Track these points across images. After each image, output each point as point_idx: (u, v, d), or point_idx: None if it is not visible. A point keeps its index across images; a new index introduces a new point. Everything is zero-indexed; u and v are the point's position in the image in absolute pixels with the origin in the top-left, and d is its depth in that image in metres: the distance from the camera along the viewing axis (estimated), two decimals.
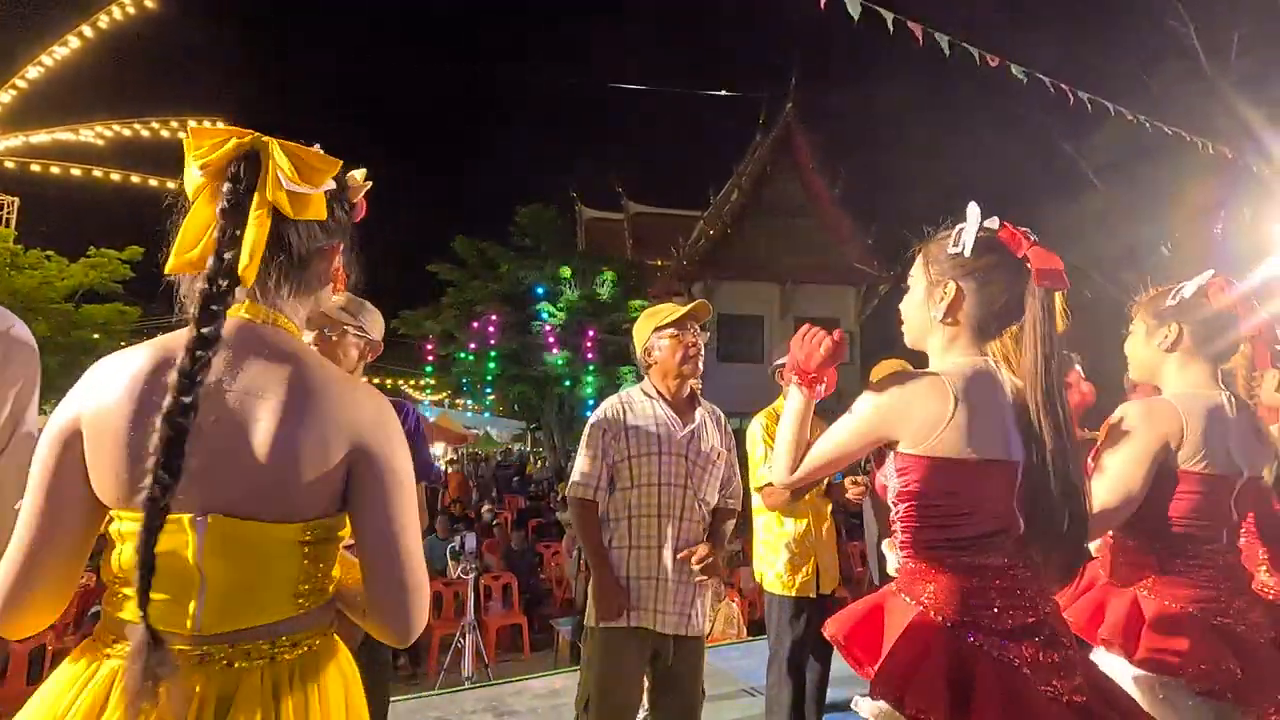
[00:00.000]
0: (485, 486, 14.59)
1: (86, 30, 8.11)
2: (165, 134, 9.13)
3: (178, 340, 0.90)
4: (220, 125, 0.93)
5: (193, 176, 0.91)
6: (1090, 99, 5.07)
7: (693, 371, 2.26)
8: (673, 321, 2.26)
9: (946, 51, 4.28)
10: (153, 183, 9.43)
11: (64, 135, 8.99)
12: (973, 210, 1.26)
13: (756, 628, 5.41)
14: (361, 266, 1.08)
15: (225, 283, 0.88)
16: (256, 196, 0.90)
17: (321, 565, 0.94)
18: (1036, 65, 4.72)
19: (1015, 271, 1.23)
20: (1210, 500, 1.48)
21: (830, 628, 1.27)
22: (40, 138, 8.90)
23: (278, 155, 0.91)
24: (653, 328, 2.29)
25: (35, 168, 9.13)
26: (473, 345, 16.23)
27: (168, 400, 0.83)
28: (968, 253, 1.25)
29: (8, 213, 11.36)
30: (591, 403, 15.65)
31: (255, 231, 0.90)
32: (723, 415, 2.40)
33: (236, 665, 0.86)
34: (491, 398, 18.47)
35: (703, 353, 2.29)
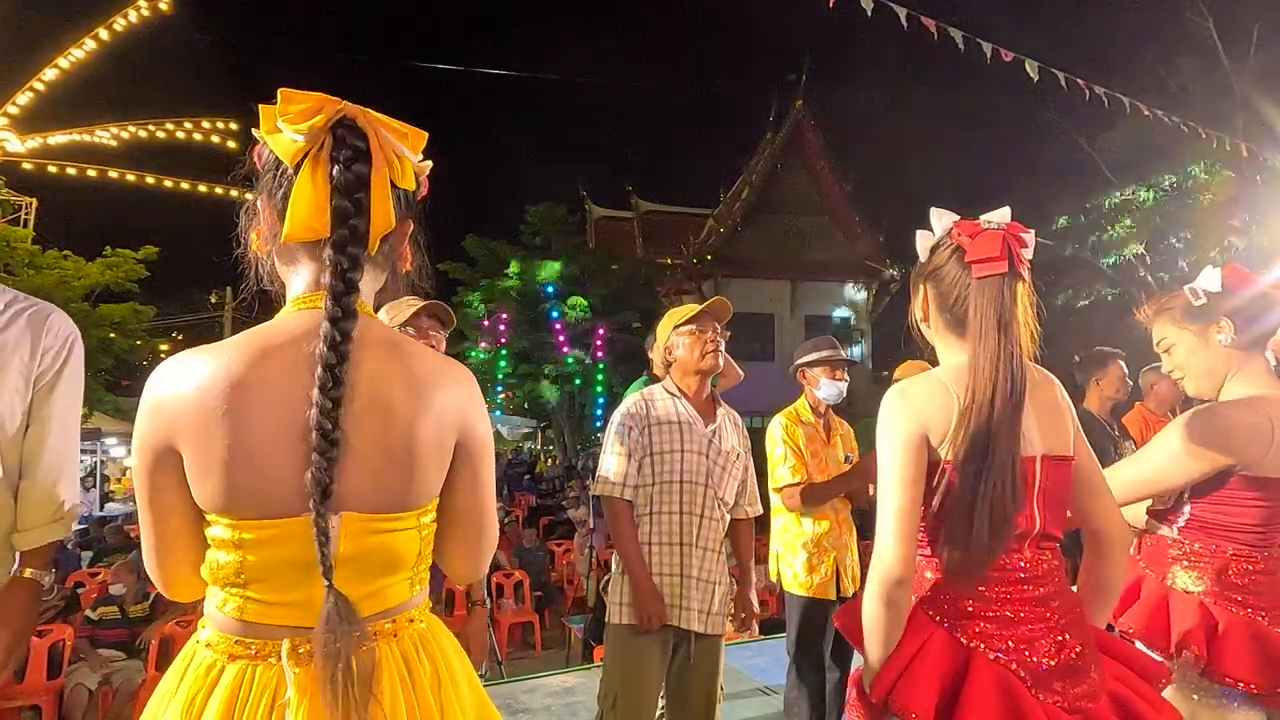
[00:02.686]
0: (496, 484, 14.61)
1: (102, 33, 8.19)
2: (180, 135, 9.22)
3: (265, 336, 0.86)
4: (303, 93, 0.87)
5: (290, 141, 0.85)
6: (1106, 93, 5.01)
7: (712, 366, 2.28)
8: (691, 318, 2.30)
9: (960, 46, 4.24)
10: (167, 184, 9.53)
11: (80, 137, 9.09)
12: (934, 214, 1.27)
13: (770, 626, 5.39)
14: (422, 249, 1.03)
15: (358, 251, 0.85)
16: (373, 161, 0.87)
17: (429, 545, 0.95)
18: (1052, 60, 4.67)
19: (962, 264, 1.20)
20: (1275, 505, 1.45)
21: (839, 618, 1.28)
22: (57, 139, 9.01)
23: (383, 119, 0.89)
24: (673, 326, 2.33)
25: (52, 169, 9.24)
26: (483, 344, 16.28)
27: (317, 391, 0.80)
28: (923, 256, 1.28)
29: (26, 214, 11.51)
30: (602, 401, 15.67)
31: (383, 196, 0.87)
32: (740, 418, 2.41)
33: (365, 646, 0.85)
34: (502, 396, 18.52)
35: (722, 349, 2.30)
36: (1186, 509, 1.51)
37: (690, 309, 2.34)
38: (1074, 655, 1.13)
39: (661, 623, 2.09)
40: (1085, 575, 1.30)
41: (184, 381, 0.83)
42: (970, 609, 1.14)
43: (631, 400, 2.30)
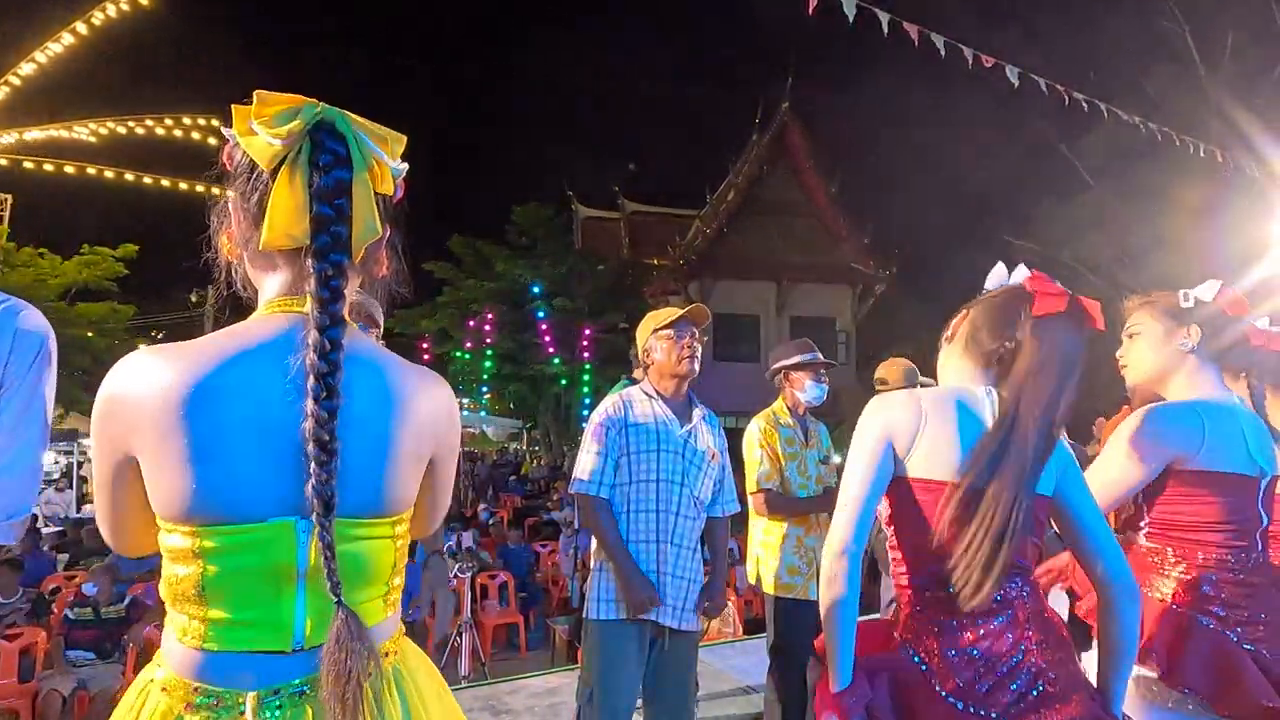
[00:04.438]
0: (481, 485, 14.57)
1: (80, 27, 8.06)
2: (160, 131, 9.09)
3: (235, 336, 0.84)
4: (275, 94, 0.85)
5: (267, 144, 0.82)
6: (1085, 100, 5.08)
7: (689, 371, 2.33)
8: (670, 323, 2.35)
9: (942, 52, 4.28)
10: (146, 180, 9.39)
11: (58, 132, 8.94)
12: (1000, 267, 1.36)
13: (752, 626, 5.42)
14: (399, 255, 1.01)
15: (342, 259, 0.84)
16: (354, 167, 0.85)
17: (403, 557, 0.94)
18: (1031, 66, 4.73)
19: (1016, 299, 1.27)
20: (1238, 503, 1.47)
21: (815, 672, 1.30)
22: (34, 135, 8.85)
23: (362, 123, 0.87)
24: (652, 329, 2.38)
25: (29, 165, 9.07)
26: (469, 344, 16.22)
27: (311, 402, 0.78)
28: (990, 285, 1.35)
29: (1, 210, 11.30)
30: (588, 401, 15.66)
31: (366, 202, 0.86)
32: (717, 420, 2.47)
33: (374, 665, 0.81)
34: (487, 396, 18.46)
35: (699, 355, 2.36)
36: (1145, 513, 1.54)
37: (670, 313, 2.38)
38: (1047, 686, 1.12)
39: (655, 606, 2.14)
40: (1097, 625, 1.27)
41: (143, 381, 0.79)
42: (935, 634, 1.16)
43: (609, 401, 2.34)
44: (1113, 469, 1.50)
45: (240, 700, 0.78)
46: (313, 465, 0.77)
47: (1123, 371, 1.68)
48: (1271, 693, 1.33)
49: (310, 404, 0.78)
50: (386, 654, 0.88)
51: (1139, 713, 1.41)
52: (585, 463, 2.27)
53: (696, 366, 2.35)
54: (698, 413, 2.38)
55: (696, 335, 2.36)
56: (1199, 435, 1.45)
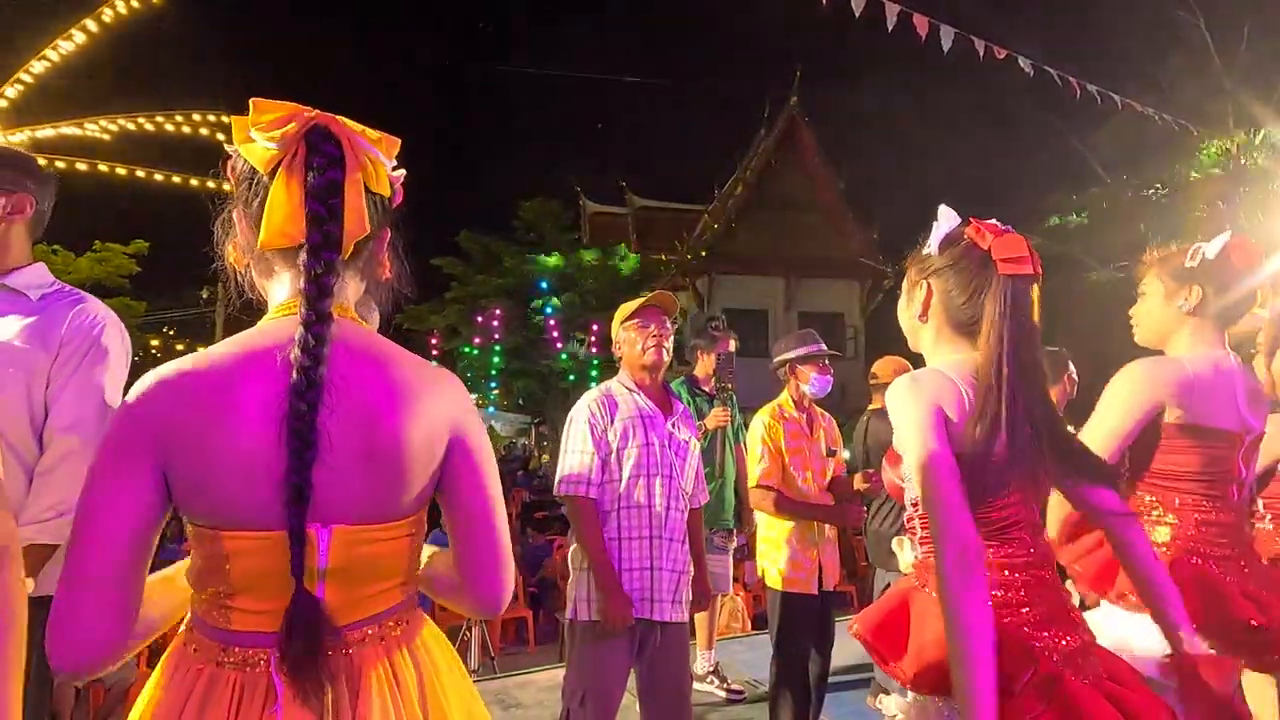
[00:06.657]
0: None
1: (91, 24, 8.09)
2: (170, 128, 9.11)
3: (248, 343, 0.86)
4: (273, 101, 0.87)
5: (264, 149, 0.86)
6: (1098, 91, 5.03)
7: (654, 362, 2.28)
8: (633, 313, 2.31)
9: (951, 44, 4.24)
10: (158, 177, 9.43)
11: (69, 130, 8.98)
12: (943, 212, 1.26)
13: (760, 621, 5.42)
14: (401, 257, 1.02)
15: (333, 256, 0.85)
16: (347, 167, 0.87)
17: (419, 552, 0.96)
18: (1042, 58, 4.68)
19: (980, 264, 1.19)
20: (1220, 456, 1.51)
21: (856, 626, 1.25)
22: (45, 132, 8.90)
23: (356, 126, 0.90)
24: (619, 321, 2.34)
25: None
26: (477, 339, 16.25)
27: (293, 395, 0.79)
28: (934, 250, 1.26)
29: None
30: None
31: (357, 200, 0.88)
32: (689, 410, 2.47)
33: (350, 651, 0.86)
34: (496, 392, 18.49)
35: (668, 345, 2.30)
36: (1126, 462, 1.58)
37: (637, 302, 2.34)
38: (1086, 633, 1.16)
39: (628, 623, 2.09)
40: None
41: (170, 393, 0.81)
42: (1000, 600, 1.13)
43: (593, 398, 2.29)
44: (1105, 420, 1.53)
45: (263, 656, 0.83)
46: (291, 457, 0.79)
47: (1134, 331, 1.70)
48: (1255, 611, 1.40)
49: (292, 397, 0.80)
50: (401, 624, 0.92)
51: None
52: (571, 463, 2.21)
53: (665, 357, 2.29)
54: (680, 404, 2.37)
55: (666, 324, 2.29)
56: (1189, 388, 1.48)
